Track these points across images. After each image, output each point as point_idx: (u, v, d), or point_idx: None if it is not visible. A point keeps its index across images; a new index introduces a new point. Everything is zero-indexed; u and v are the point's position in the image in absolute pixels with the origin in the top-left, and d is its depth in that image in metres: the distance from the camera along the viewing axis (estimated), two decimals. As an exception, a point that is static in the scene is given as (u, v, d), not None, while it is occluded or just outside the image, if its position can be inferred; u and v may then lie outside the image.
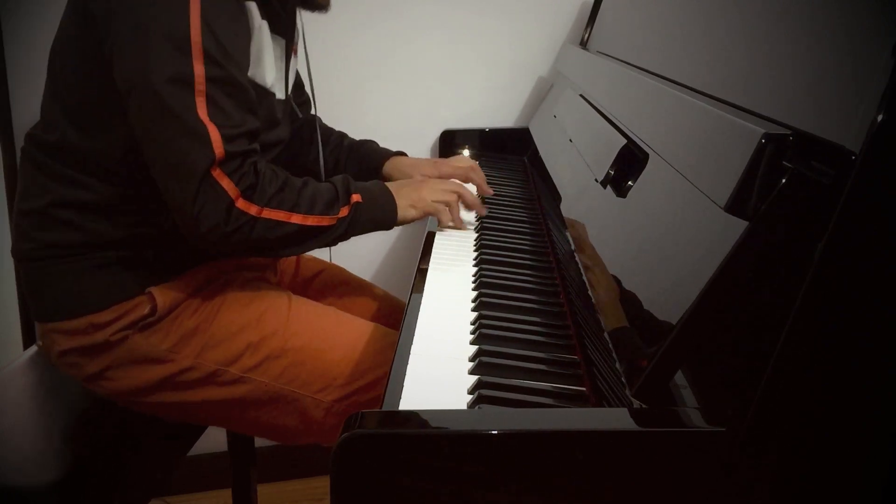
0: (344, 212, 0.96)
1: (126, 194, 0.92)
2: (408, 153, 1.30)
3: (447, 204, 1.08)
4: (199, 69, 0.81)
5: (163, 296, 0.94)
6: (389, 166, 1.25)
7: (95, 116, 0.89)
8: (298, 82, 1.27)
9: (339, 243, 1.00)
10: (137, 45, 0.81)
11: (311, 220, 0.93)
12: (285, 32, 1.01)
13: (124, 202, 0.92)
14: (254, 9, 0.90)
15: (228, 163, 0.85)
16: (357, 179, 1.21)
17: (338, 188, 0.98)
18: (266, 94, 0.97)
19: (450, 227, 1.11)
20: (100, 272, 0.93)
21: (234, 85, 0.85)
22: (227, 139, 0.84)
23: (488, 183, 1.27)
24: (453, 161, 1.29)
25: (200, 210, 0.85)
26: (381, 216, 1.01)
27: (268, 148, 1.01)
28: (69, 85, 0.91)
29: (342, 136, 1.31)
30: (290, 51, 1.06)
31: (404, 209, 1.03)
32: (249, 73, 0.91)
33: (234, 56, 0.85)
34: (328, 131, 1.31)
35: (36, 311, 0.97)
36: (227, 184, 0.85)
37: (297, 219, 0.92)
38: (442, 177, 1.21)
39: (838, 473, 0.54)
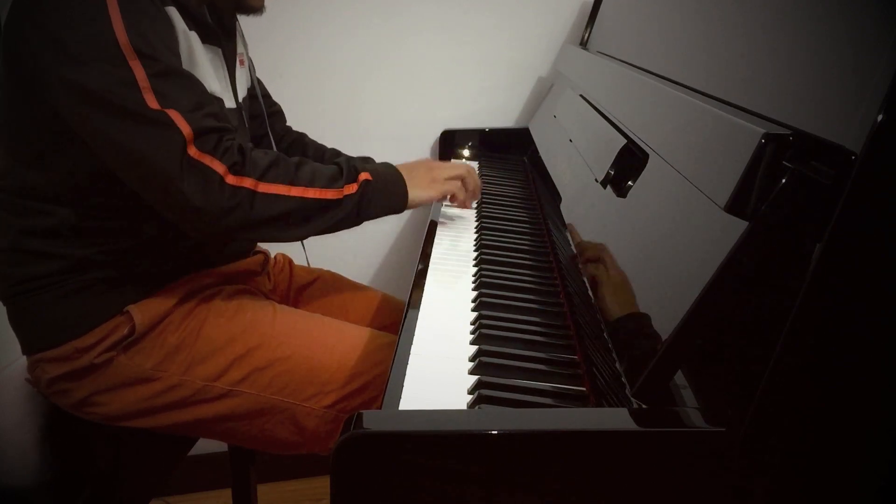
0: (351, 188, 0.93)
1: (88, 214, 0.90)
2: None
3: (456, 184, 1.08)
4: (137, 69, 0.80)
5: (141, 313, 0.93)
6: None
7: (44, 150, 0.88)
8: (265, 91, 1.26)
9: (352, 228, 0.96)
10: (69, 65, 0.79)
11: (313, 193, 0.90)
12: (220, 42, 0.99)
13: (88, 221, 0.91)
14: (175, 14, 0.88)
15: (202, 140, 0.83)
16: None
17: (343, 166, 0.95)
18: (213, 99, 0.94)
19: (457, 207, 1.11)
20: (78, 296, 0.92)
21: (176, 74, 0.83)
22: (190, 118, 0.82)
23: (488, 183, 1.27)
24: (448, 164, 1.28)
25: (194, 194, 0.82)
26: (391, 198, 0.98)
27: None
28: (9, 129, 0.90)
29: (336, 153, 1.29)
30: (231, 60, 1.04)
31: (415, 189, 1.01)
32: None
33: (166, 50, 0.83)
34: (319, 149, 1.29)
35: (23, 344, 0.96)
36: (209, 160, 0.83)
37: (297, 191, 0.88)
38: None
39: (838, 473, 0.54)
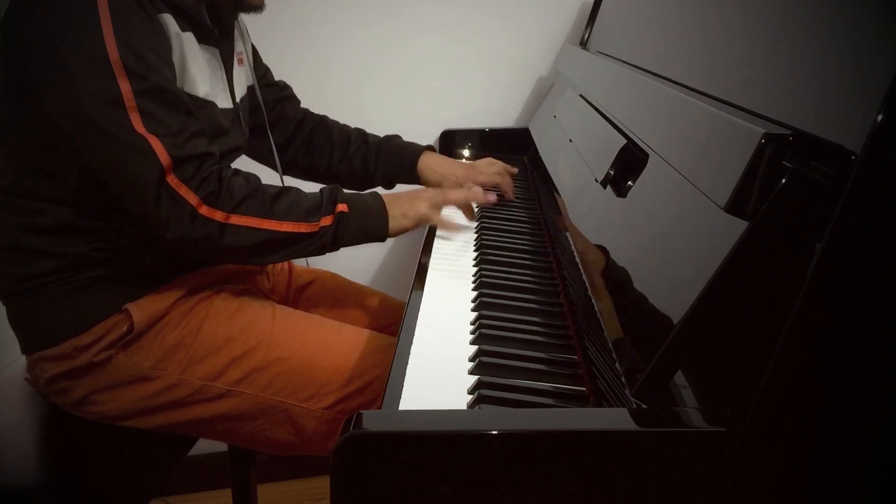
0: (326, 221, 0.94)
1: (86, 213, 0.91)
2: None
3: (434, 213, 1.07)
4: (124, 86, 0.80)
5: (140, 312, 0.93)
6: (424, 165, 1.23)
7: (42, 150, 0.88)
8: (270, 82, 1.25)
9: (330, 253, 0.98)
10: (59, 75, 0.80)
11: (286, 227, 0.91)
12: (217, 42, 0.99)
13: (86, 220, 0.91)
14: (169, 20, 0.88)
15: (182, 168, 0.84)
16: (392, 179, 1.23)
17: (323, 197, 0.96)
18: (203, 103, 0.95)
19: (446, 230, 1.10)
20: (77, 295, 0.92)
21: (163, 92, 0.84)
22: (171, 146, 0.83)
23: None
24: (485, 167, 1.26)
25: (166, 221, 0.85)
26: (371, 227, 0.99)
27: (223, 157, 0.99)
28: (7, 128, 0.90)
29: (362, 133, 1.28)
30: (229, 59, 1.04)
31: (396, 219, 1.01)
32: (178, 84, 0.89)
33: (156, 65, 0.84)
34: (344, 130, 1.28)
35: (22, 343, 0.96)
36: (184, 191, 0.85)
37: (269, 225, 0.90)
38: (476, 183, 1.19)
39: (838, 473, 0.54)
